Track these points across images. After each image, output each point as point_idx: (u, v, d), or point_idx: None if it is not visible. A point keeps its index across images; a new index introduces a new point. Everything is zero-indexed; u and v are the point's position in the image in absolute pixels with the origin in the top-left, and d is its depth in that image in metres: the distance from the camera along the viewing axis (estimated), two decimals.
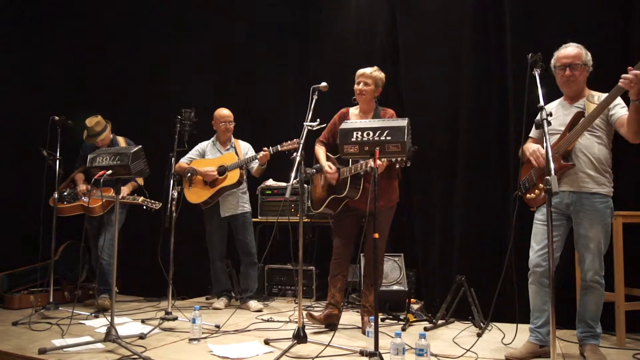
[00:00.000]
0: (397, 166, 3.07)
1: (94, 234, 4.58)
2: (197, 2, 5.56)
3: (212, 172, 4.41)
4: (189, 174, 4.39)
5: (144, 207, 4.27)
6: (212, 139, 4.69)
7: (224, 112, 4.58)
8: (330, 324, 3.53)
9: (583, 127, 2.75)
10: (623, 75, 2.48)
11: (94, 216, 4.45)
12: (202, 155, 4.64)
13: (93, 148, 4.25)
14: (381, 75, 3.65)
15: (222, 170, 4.43)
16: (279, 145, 4.17)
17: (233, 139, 4.66)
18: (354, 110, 3.71)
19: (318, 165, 3.55)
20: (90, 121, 4.50)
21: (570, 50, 2.90)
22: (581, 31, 3.48)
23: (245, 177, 4.56)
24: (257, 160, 4.33)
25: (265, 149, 4.21)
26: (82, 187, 4.55)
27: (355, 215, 3.56)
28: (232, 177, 4.41)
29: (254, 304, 4.42)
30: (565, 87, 2.96)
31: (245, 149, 4.66)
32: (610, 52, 3.53)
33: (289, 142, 4.13)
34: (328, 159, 3.64)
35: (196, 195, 4.46)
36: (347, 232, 3.62)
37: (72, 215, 4.49)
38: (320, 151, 3.68)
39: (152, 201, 4.28)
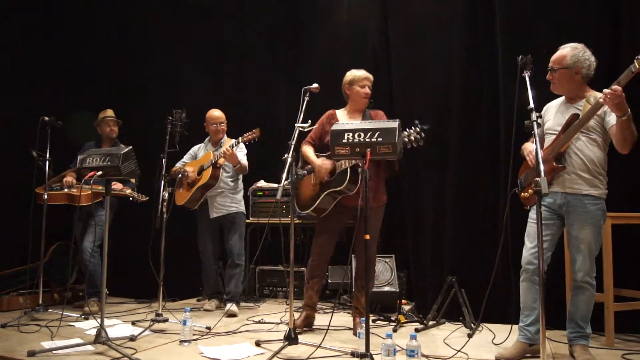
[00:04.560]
0: (409, 147, 3.09)
1: (80, 234, 4.51)
2: (189, 2, 5.55)
3: (191, 173, 4.40)
4: (180, 176, 4.39)
5: (131, 198, 4.25)
6: (205, 140, 4.65)
7: (215, 113, 4.51)
8: (308, 324, 3.57)
9: (574, 130, 2.77)
10: (604, 91, 2.49)
11: (81, 209, 4.36)
12: (195, 158, 4.60)
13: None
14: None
15: (200, 170, 4.41)
16: (240, 138, 4.11)
17: (225, 138, 4.58)
18: (341, 112, 3.69)
19: (309, 166, 3.52)
20: None
21: (556, 53, 2.92)
22: (570, 31, 3.50)
23: (224, 175, 4.41)
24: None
25: (227, 148, 4.12)
26: (69, 178, 4.50)
27: (343, 213, 3.51)
28: (205, 176, 4.34)
29: (229, 305, 4.22)
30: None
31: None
32: (599, 51, 3.55)
33: (248, 133, 4.08)
34: (317, 157, 3.63)
35: (180, 197, 4.46)
36: (332, 228, 3.57)
37: (58, 203, 4.40)
38: (309, 150, 3.62)
39: (139, 194, 4.26)
